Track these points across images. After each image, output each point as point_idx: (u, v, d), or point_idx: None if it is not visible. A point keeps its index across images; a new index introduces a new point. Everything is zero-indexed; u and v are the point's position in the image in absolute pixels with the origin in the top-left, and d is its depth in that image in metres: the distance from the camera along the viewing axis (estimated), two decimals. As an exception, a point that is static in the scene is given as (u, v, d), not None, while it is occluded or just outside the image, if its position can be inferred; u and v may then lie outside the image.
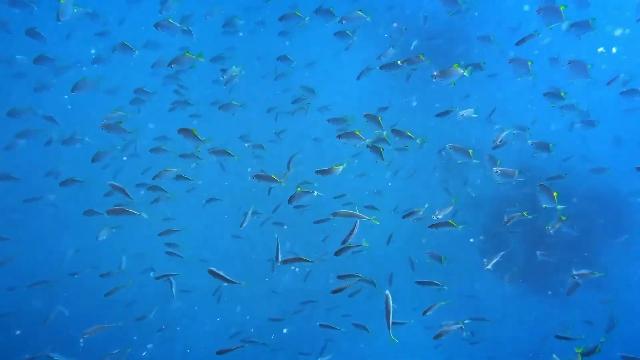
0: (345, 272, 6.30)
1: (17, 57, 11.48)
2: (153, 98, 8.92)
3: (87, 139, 7.83)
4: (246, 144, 10.73)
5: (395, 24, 11.28)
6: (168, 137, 10.60)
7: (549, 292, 13.57)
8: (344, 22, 6.95)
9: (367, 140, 5.78)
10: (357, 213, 5.64)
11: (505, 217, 6.28)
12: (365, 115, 6.49)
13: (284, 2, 12.59)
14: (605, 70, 13.09)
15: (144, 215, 5.85)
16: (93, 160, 7.15)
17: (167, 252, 8.84)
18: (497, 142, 6.79)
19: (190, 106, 10.02)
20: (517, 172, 6.20)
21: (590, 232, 13.75)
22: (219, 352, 6.09)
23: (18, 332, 11.93)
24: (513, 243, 14.44)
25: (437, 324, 7.71)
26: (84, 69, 11.50)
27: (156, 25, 6.79)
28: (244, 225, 9.23)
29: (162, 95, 10.41)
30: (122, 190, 6.51)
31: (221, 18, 10.12)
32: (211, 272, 5.49)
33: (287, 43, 11.30)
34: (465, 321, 5.73)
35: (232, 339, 11.56)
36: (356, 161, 13.07)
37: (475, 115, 7.30)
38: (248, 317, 13.97)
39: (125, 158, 11.57)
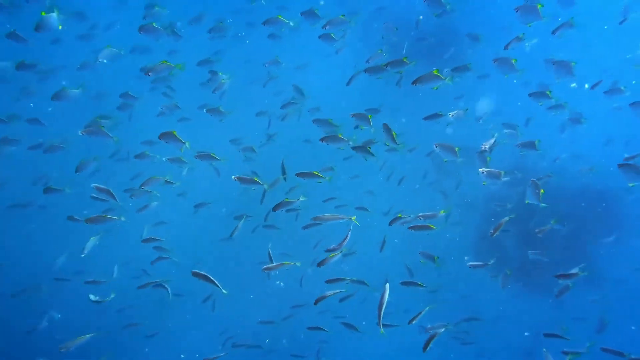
0: (343, 275, 6.27)
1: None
2: (139, 102, 8.86)
3: (63, 145, 7.73)
4: (238, 149, 10.69)
5: (385, 23, 11.26)
6: (154, 141, 10.54)
7: (544, 291, 13.56)
8: (327, 27, 6.94)
9: (350, 142, 5.75)
10: (338, 215, 5.60)
11: (491, 229, 6.22)
12: (353, 115, 6.47)
13: (272, 4, 12.55)
14: (593, 70, 13.14)
15: (123, 219, 5.79)
16: (77, 171, 7.08)
17: (159, 258, 8.78)
18: (486, 147, 6.77)
19: (180, 109, 9.97)
20: (502, 172, 6.18)
21: (583, 230, 13.77)
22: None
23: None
24: (507, 243, 14.46)
25: (432, 324, 7.69)
26: (71, 73, 11.44)
27: (140, 30, 6.76)
28: (235, 234, 9.20)
29: (150, 99, 10.36)
30: (108, 192, 6.45)
31: (211, 22, 10.10)
32: (195, 274, 5.44)
33: (277, 45, 11.27)
34: (447, 324, 5.69)
35: (227, 343, 11.48)
36: (347, 164, 13.03)
37: (463, 114, 7.28)
38: (242, 321, 13.91)
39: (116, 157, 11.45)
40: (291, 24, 7.69)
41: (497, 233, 5.92)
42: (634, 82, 11.21)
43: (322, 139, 5.73)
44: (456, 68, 7.94)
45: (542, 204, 5.83)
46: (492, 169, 6.29)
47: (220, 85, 8.97)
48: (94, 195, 6.63)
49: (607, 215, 14.06)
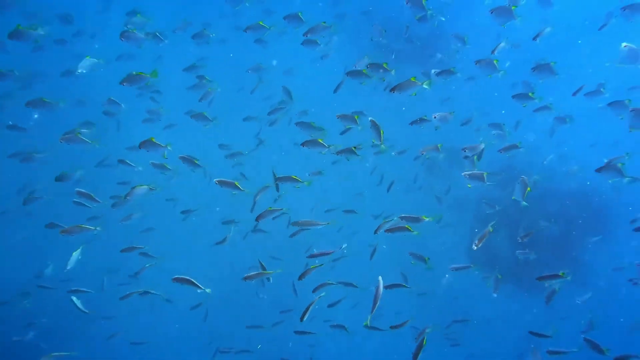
0: (333, 279, 6.22)
1: None
2: (126, 108, 8.81)
3: (40, 155, 7.68)
4: (226, 155, 10.63)
5: (374, 25, 11.26)
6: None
7: (535, 292, 13.57)
8: (309, 35, 6.93)
9: (331, 147, 5.73)
10: (316, 221, 5.59)
11: (475, 241, 6.19)
12: (339, 116, 6.44)
13: (259, 7, 12.53)
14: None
15: (98, 229, 5.74)
16: (58, 180, 7.02)
17: (149, 265, 8.71)
18: (467, 151, 6.78)
19: (167, 115, 9.94)
20: (486, 174, 6.19)
21: (573, 230, 13.82)
22: None
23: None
24: (499, 244, 14.47)
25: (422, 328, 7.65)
26: (57, 80, 11.36)
27: (121, 37, 6.74)
28: (225, 242, 9.14)
29: (138, 104, 10.29)
30: (89, 196, 6.44)
31: (197, 26, 10.05)
32: (176, 280, 5.39)
33: (263, 50, 11.24)
34: (428, 328, 5.66)
35: (219, 347, 11.37)
36: (336, 167, 13.01)
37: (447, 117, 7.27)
38: (234, 325, 13.80)
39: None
40: (271, 29, 7.67)
41: (481, 244, 5.90)
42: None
43: (302, 144, 5.71)
44: (440, 72, 7.95)
45: (524, 203, 5.84)
46: (475, 171, 6.29)
47: (208, 94, 8.96)
48: (76, 200, 6.59)
49: (597, 215, 14.13)
